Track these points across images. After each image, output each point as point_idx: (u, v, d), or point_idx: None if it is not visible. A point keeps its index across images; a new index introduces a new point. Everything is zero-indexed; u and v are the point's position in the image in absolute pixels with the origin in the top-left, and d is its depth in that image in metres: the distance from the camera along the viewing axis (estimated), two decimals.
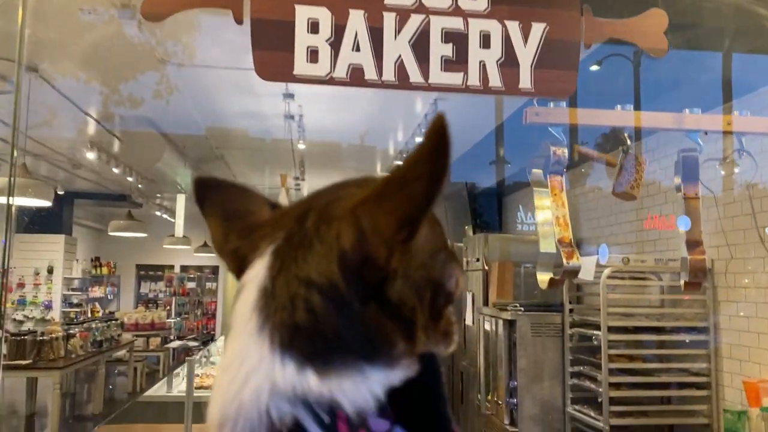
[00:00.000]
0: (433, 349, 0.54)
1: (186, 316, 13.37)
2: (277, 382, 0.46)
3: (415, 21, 1.94)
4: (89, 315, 10.37)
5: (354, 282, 0.48)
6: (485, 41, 1.97)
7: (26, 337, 6.39)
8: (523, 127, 2.20)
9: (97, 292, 12.14)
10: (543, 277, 2.24)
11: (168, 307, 12.84)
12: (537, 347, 4.43)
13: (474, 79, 1.96)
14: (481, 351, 4.99)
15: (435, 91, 1.97)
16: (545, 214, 2.22)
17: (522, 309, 4.50)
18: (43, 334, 6.50)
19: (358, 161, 6.98)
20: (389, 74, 1.91)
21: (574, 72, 2.03)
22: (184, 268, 13.55)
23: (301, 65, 1.88)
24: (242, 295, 0.51)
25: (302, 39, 1.88)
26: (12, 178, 2.54)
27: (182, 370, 4.59)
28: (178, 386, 4.44)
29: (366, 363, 0.48)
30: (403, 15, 1.93)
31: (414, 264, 0.51)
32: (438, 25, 1.95)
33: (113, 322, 8.33)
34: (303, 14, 1.89)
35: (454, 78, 1.95)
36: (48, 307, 9.91)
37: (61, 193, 8.50)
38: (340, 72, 1.90)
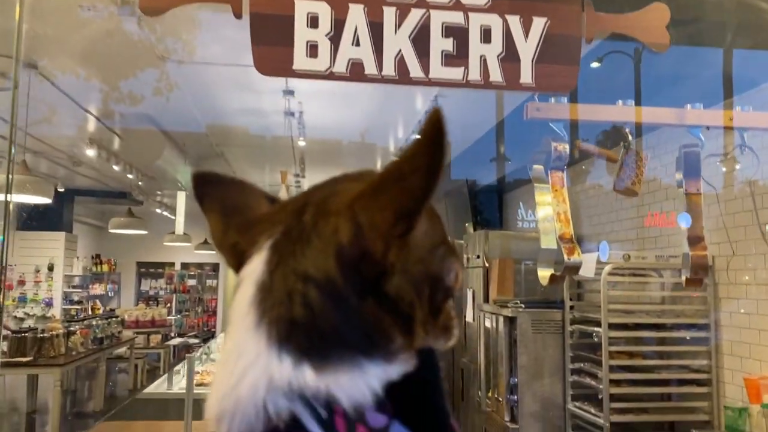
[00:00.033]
0: (432, 343, 0.54)
1: (186, 313, 13.38)
2: (274, 376, 0.46)
3: (415, 15, 1.93)
4: (90, 312, 10.39)
5: (351, 277, 0.48)
6: (486, 36, 1.96)
7: (27, 334, 6.40)
8: (523, 124, 2.19)
9: (97, 289, 12.15)
10: (544, 274, 2.24)
11: (168, 305, 12.85)
12: (537, 344, 4.43)
13: (475, 74, 1.95)
14: (482, 348, 4.99)
15: (435, 85, 1.96)
16: (546, 210, 2.21)
17: (522, 306, 4.49)
18: (43, 331, 6.51)
19: (359, 158, 6.96)
20: (389, 69, 1.91)
21: (576, 67, 2.02)
22: (184, 266, 13.55)
23: (300, 60, 1.87)
24: (240, 290, 0.51)
25: (302, 34, 1.87)
26: (10, 175, 2.53)
27: (183, 367, 4.59)
28: (179, 383, 4.44)
29: (363, 358, 0.47)
30: (403, 9, 1.92)
31: (412, 258, 0.50)
32: (438, 19, 1.94)
33: (114, 319, 8.34)
34: (302, 9, 1.88)
35: (455, 73, 1.94)
36: (49, 304, 9.91)
37: (61, 190, 8.50)
38: (340, 67, 1.89)
